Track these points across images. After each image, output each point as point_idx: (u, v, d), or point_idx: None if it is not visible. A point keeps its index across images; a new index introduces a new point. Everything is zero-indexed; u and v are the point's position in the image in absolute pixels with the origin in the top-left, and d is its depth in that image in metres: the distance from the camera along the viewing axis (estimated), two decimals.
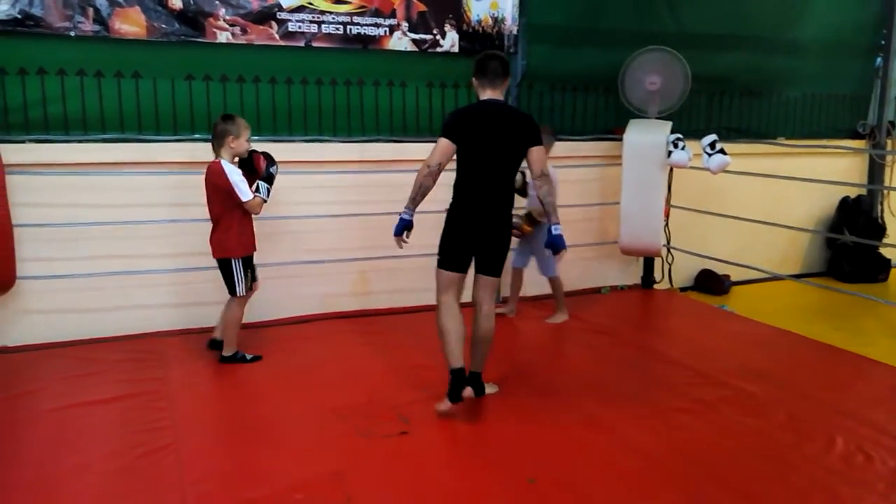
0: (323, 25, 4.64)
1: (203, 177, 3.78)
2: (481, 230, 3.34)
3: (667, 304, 5.55)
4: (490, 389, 3.53)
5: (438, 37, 4.96)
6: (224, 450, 3.03)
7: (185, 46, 4.37)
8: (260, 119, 4.63)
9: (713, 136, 4.96)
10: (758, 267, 5.61)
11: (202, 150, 4.44)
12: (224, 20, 4.39)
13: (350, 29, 4.71)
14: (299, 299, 4.77)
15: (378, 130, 4.96)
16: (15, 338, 4.15)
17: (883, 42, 6.53)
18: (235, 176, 3.67)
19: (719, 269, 5.91)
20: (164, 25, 4.25)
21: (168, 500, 2.63)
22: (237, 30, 4.44)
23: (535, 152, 3.32)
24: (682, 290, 5.98)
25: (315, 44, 4.64)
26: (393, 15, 4.81)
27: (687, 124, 5.62)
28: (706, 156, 4.94)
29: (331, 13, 4.64)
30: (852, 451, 3.07)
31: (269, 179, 3.81)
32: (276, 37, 4.54)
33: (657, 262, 5.79)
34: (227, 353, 3.92)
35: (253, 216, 3.84)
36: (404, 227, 3.40)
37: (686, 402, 3.55)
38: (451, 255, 3.38)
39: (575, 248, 5.59)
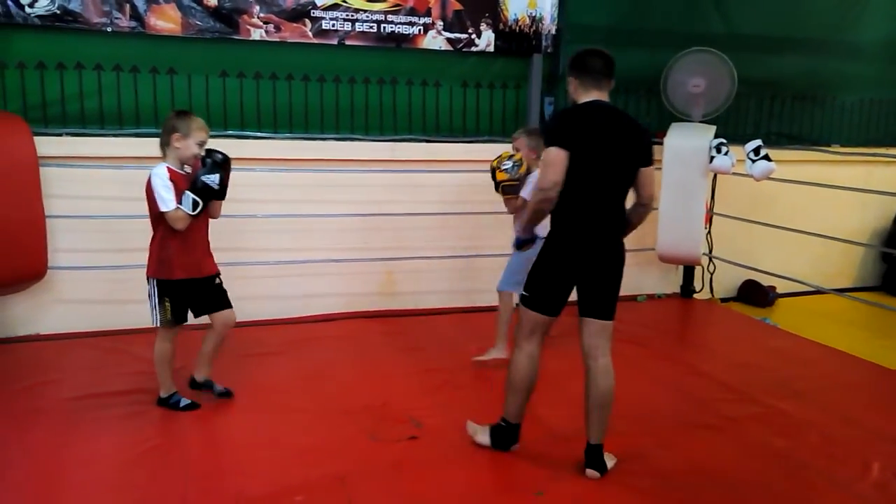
0: (357, 24, 4.62)
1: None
2: (595, 264, 2.76)
3: (706, 315, 5.34)
4: (609, 462, 2.87)
5: (474, 36, 4.88)
6: (230, 446, 3.02)
7: (220, 43, 4.40)
8: (292, 116, 4.65)
9: (758, 142, 4.74)
10: (804, 280, 5.34)
11: (234, 146, 4.45)
12: (258, 17, 4.41)
13: (384, 27, 4.68)
14: (325, 297, 4.76)
15: (410, 130, 4.92)
16: (46, 326, 4.25)
17: None
18: (158, 180, 3.10)
19: (764, 280, 5.66)
20: (198, 22, 4.30)
21: (169, 495, 2.62)
22: (271, 27, 4.45)
23: (649, 174, 2.79)
24: (724, 300, 5.75)
25: (348, 42, 4.62)
26: (428, 13, 4.75)
27: (734, 129, 5.42)
28: (749, 162, 4.73)
29: (365, 11, 4.62)
30: (888, 478, 2.87)
31: (199, 190, 3.10)
32: (310, 34, 4.54)
33: (698, 270, 5.58)
34: (162, 393, 3.34)
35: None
36: (522, 245, 3.07)
37: (713, 418, 3.38)
38: (549, 295, 2.80)
39: None
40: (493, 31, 4.89)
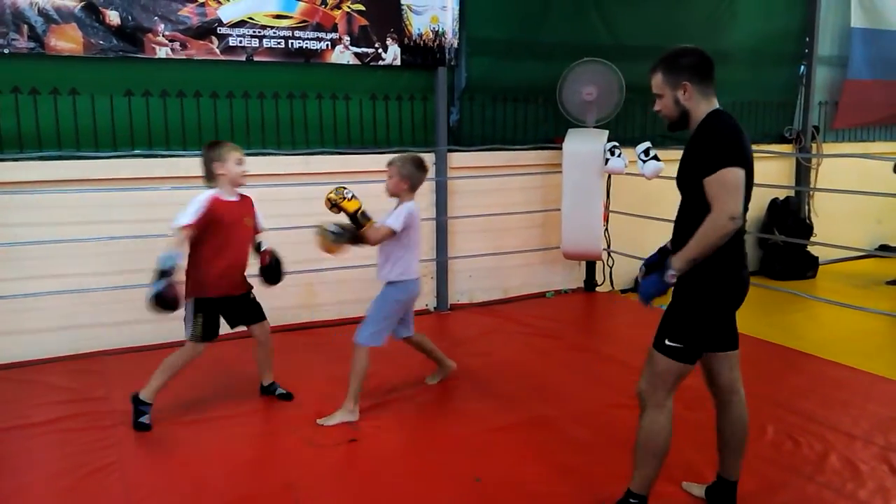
0: (264, 40, 4.67)
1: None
2: (746, 291, 2.50)
3: (608, 306, 5.72)
4: None
5: (380, 50, 5.03)
6: (170, 466, 3.01)
7: (124, 62, 4.34)
8: (201, 134, 4.62)
9: (647, 144, 5.15)
10: None
11: (143, 167, 4.45)
12: (163, 35, 4.38)
13: (292, 43, 4.75)
14: None
15: (322, 143, 5.00)
16: None
17: (806, 50, 6.89)
18: (195, 200, 3.26)
19: None
20: (101, 41, 4.22)
21: None
22: (177, 45, 4.43)
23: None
24: (623, 291, 6.17)
25: (256, 58, 4.67)
26: (335, 29, 4.86)
27: (623, 132, 5.82)
28: (641, 162, 5.12)
29: (272, 28, 4.68)
30: (782, 438, 3.25)
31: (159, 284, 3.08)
32: (217, 51, 4.55)
33: (598, 265, 5.97)
34: (142, 394, 3.32)
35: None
36: (656, 297, 2.45)
37: (625, 398, 3.67)
38: (707, 343, 2.47)
39: (520, 255, 5.74)
40: (399, 46, 5.06)
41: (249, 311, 3.55)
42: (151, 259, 4.40)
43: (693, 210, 2.39)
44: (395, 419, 3.43)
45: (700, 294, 2.38)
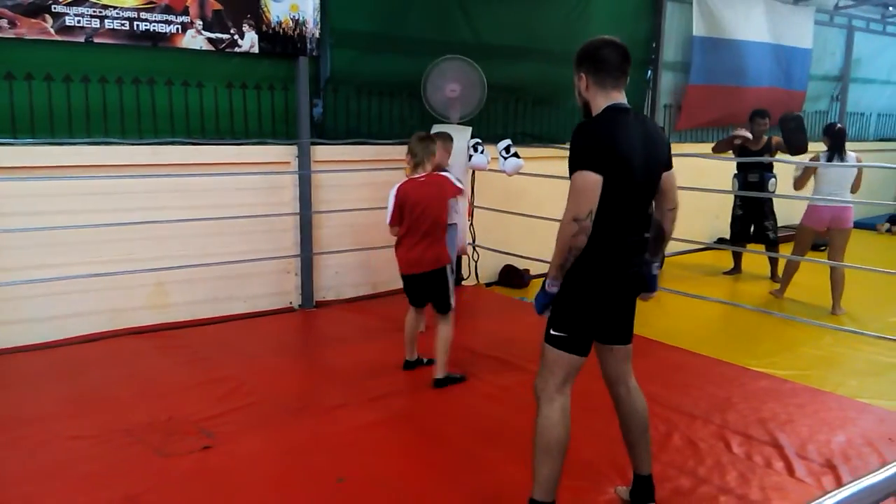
0: (106, 20, 4.32)
1: None
2: (632, 289, 2.53)
3: (474, 299, 5.81)
4: None
5: (236, 37, 4.81)
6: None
7: None
8: (34, 120, 4.23)
9: (508, 141, 5.27)
10: None
11: None
12: None
13: (137, 25, 4.43)
14: (85, 316, 4.41)
15: (173, 133, 4.70)
16: None
17: (653, 56, 7.34)
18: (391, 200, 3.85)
19: (520, 264, 6.29)
20: None
21: None
22: (4, 22, 4.00)
23: (673, 177, 2.57)
24: (488, 285, 6.30)
25: (97, 40, 4.31)
26: (185, 12, 4.58)
27: (486, 130, 5.93)
28: (502, 159, 5.24)
29: (115, 7, 4.33)
30: None
31: None
32: (51, 31, 4.15)
33: (464, 259, 6.05)
34: (441, 374, 3.81)
35: None
36: (548, 306, 2.50)
37: (488, 387, 3.76)
38: (589, 332, 2.48)
39: (388, 250, 5.70)
40: (257, 33, 4.85)
41: None
42: None
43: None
44: (253, 423, 3.28)
45: (576, 284, 2.40)
